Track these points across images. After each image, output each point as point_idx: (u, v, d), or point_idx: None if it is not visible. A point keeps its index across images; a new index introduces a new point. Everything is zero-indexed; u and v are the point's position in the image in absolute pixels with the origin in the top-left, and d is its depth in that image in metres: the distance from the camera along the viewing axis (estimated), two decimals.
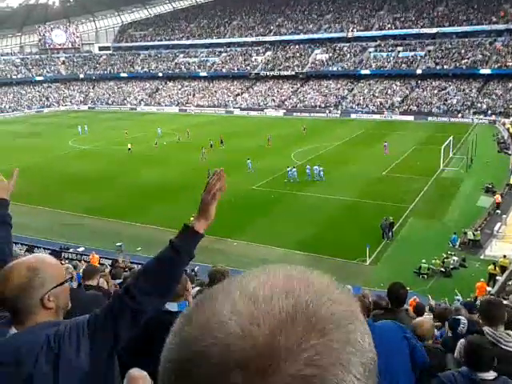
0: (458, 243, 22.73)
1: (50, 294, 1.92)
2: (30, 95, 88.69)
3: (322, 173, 33.42)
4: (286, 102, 73.20)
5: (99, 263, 20.41)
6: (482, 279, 17.53)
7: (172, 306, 4.05)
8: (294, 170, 34.21)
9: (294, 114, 68.40)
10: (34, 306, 1.91)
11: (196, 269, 19.34)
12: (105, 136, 53.64)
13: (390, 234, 23.66)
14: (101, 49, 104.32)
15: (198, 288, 7.11)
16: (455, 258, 20.88)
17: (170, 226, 23.75)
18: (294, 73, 77.41)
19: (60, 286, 1.98)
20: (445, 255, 21.00)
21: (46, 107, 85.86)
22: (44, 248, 23.04)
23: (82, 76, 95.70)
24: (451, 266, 20.39)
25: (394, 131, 52.44)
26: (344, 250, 22.31)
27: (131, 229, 26.27)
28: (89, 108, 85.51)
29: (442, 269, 20.30)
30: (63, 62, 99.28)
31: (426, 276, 19.96)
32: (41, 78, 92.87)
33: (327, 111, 67.49)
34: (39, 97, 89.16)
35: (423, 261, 20.30)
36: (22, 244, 22.72)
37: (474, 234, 22.60)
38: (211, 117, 69.74)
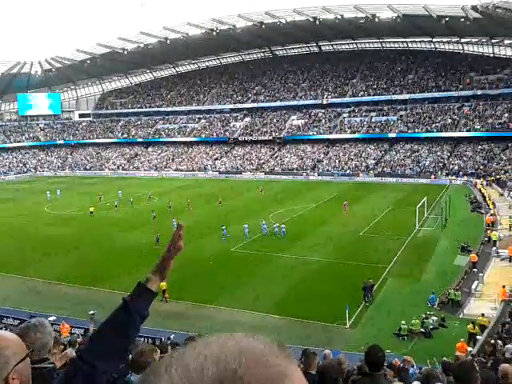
0: (436, 303, 22.58)
1: (13, 371, 1.81)
2: (7, 161, 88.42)
3: (283, 230, 35.14)
4: (264, 166, 74.46)
5: (70, 333, 19.62)
6: (462, 339, 17.28)
7: (136, 379, 3.88)
8: (246, 226, 35.45)
9: (272, 176, 69.55)
10: None
11: (172, 337, 18.69)
12: (80, 201, 53.14)
13: (370, 295, 23.42)
14: (81, 116, 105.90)
15: None
16: (434, 318, 20.64)
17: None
18: (271, 137, 79.41)
19: (22, 361, 1.88)
20: (424, 315, 20.77)
21: (23, 173, 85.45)
22: (13, 318, 22.05)
23: (60, 142, 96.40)
24: (431, 327, 20.11)
25: (369, 192, 53.45)
26: (323, 313, 21.89)
27: (103, 295, 25.44)
28: (65, 174, 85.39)
29: (422, 329, 20.01)
30: (42, 129, 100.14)
31: (406, 338, 19.60)
32: (19, 145, 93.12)
33: (304, 174, 68.80)
34: (16, 163, 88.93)
35: (403, 322, 20.00)
36: None
37: (455, 294, 22.48)
38: (187, 180, 70.47)
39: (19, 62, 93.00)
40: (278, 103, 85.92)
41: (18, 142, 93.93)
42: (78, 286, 26.94)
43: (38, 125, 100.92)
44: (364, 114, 77.89)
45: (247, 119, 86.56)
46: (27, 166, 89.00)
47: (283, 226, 35.82)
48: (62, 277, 28.09)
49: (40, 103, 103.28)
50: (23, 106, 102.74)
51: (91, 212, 45.46)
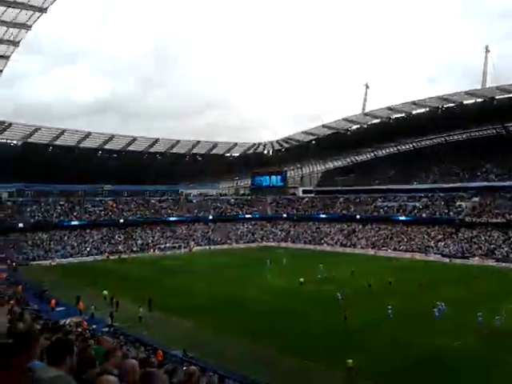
0: None
1: None
2: (239, 231, 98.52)
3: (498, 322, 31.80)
4: (495, 251, 66.42)
5: None
6: None
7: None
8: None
9: (504, 264, 61.36)
10: None
11: None
12: (299, 273, 54.61)
13: None
14: (304, 192, 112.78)
15: None
16: None
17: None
18: (504, 220, 70.92)
19: None
20: None
21: (251, 242, 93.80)
22: (234, 379, 23.05)
23: (285, 215, 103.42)
24: None
25: None
26: None
27: (322, 375, 24.86)
28: (287, 245, 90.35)
29: None
30: (270, 203, 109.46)
31: None
32: (249, 216, 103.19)
33: None
34: (246, 232, 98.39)
35: None
36: (214, 372, 23.13)
37: None
38: (402, 261, 67.34)
39: (255, 144, 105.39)
40: None
41: (250, 213, 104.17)
42: (293, 359, 27.04)
43: (266, 199, 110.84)
44: None
45: (476, 199, 79.56)
46: (255, 235, 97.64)
47: (497, 317, 32.20)
48: (282, 347, 28.72)
49: (269, 180, 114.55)
50: (255, 182, 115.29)
51: (301, 282, 48.38)
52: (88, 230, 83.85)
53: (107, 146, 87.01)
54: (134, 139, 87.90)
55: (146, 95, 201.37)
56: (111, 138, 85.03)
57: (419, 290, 44.59)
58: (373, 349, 28.04)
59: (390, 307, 35.34)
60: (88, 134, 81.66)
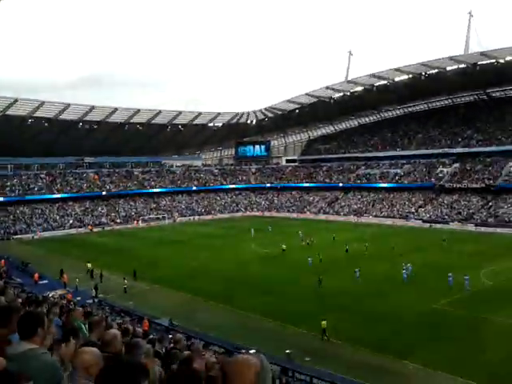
0: None
1: None
2: (223, 201, 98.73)
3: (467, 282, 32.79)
4: (474, 216, 67.90)
5: None
6: None
7: None
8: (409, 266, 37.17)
9: (483, 228, 62.78)
10: None
11: None
12: (284, 241, 55.30)
13: None
14: (288, 161, 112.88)
15: None
16: None
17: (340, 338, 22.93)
18: (483, 185, 72.24)
19: None
20: None
21: (235, 212, 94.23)
22: (218, 346, 23.64)
23: (268, 185, 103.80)
24: None
25: None
26: None
27: (304, 338, 25.67)
28: (271, 214, 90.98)
29: None
30: (254, 173, 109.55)
31: None
32: (233, 186, 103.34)
33: None
34: (230, 203, 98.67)
35: None
36: (200, 339, 23.66)
37: None
38: (383, 228, 68.50)
39: (238, 113, 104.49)
40: (493, 148, 78.07)
41: (233, 183, 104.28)
42: (274, 323, 27.80)
43: (250, 169, 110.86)
44: None
45: (456, 165, 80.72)
46: (239, 205, 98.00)
47: (466, 277, 33.11)
48: (268, 313, 29.48)
49: (253, 150, 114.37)
50: (239, 152, 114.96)
51: (283, 249, 49.49)
52: (70, 203, 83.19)
53: (87, 118, 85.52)
54: (115, 110, 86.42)
55: (128, 66, 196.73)
56: (91, 109, 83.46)
57: (393, 253, 45.71)
58: (344, 311, 29.09)
59: (357, 270, 36.85)
60: (67, 106, 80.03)
